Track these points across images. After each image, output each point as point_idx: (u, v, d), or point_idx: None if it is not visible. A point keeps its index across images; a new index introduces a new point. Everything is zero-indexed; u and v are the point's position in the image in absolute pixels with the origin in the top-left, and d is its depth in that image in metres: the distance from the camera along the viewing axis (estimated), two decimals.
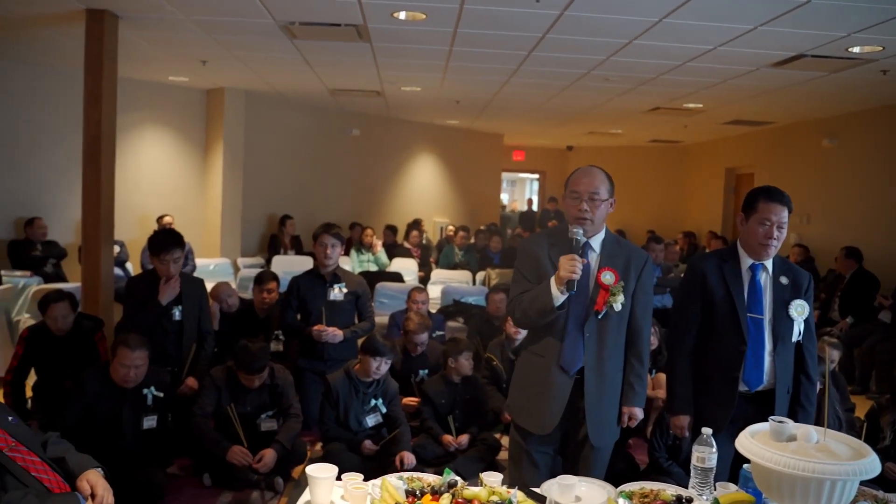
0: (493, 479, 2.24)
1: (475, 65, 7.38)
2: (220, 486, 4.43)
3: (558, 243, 3.00)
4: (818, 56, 6.12)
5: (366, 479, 2.26)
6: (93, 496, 2.20)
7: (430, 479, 2.27)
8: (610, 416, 3.07)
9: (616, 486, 2.41)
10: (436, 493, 2.07)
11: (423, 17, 5.50)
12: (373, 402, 4.69)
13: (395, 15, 5.49)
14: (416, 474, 2.30)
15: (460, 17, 5.47)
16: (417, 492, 2.12)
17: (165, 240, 4.70)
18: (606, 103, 9.54)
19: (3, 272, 6.61)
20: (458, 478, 2.13)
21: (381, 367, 4.58)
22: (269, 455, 4.33)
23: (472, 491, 2.08)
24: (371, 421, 4.70)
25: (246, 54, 7.35)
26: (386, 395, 4.74)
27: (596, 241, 3.05)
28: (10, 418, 2.23)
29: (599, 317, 2.97)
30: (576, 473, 2.65)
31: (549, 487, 2.30)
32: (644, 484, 2.45)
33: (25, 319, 6.39)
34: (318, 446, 4.89)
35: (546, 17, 5.40)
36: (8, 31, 6.60)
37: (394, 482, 2.14)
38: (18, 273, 7.15)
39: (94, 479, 2.23)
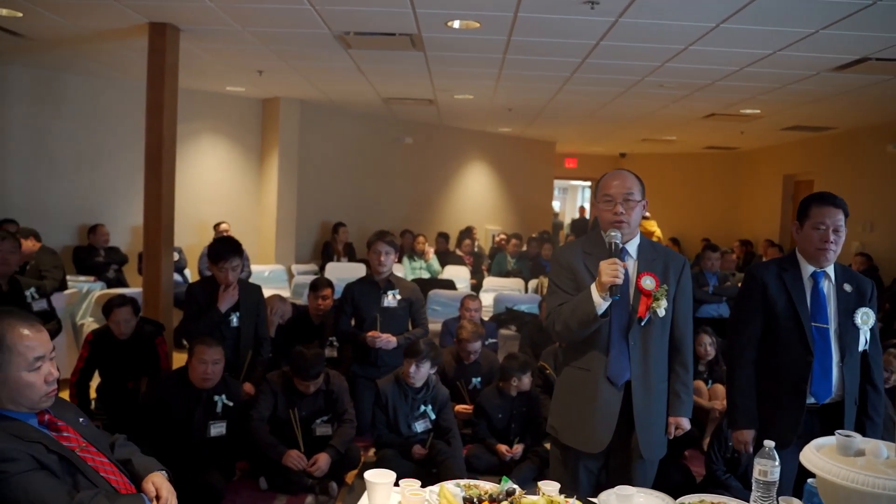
0: (550, 487, 2.22)
1: (528, 72, 7.37)
2: (275, 490, 4.49)
3: (593, 251, 2.95)
4: (883, 59, 5.95)
5: (422, 486, 2.27)
6: (157, 498, 2.25)
7: (487, 486, 2.27)
8: (658, 426, 3.01)
9: (674, 499, 2.37)
10: (494, 501, 2.07)
11: (478, 25, 5.51)
12: (422, 408, 4.72)
13: (450, 24, 5.51)
14: (472, 482, 2.30)
15: (514, 25, 5.47)
16: (475, 499, 2.12)
17: (224, 248, 4.79)
18: (661, 110, 9.43)
19: (68, 277, 6.80)
20: (515, 486, 2.13)
21: (419, 369, 4.60)
22: (323, 459, 4.40)
23: (530, 499, 2.07)
24: (420, 427, 4.72)
25: (301, 64, 7.46)
26: (436, 402, 4.75)
27: (632, 247, 2.99)
28: (80, 420, 2.30)
29: (643, 324, 2.90)
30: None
31: (607, 499, 2.28)
32: (704, 496, 2.40)
33: (89, 323, 6.57)
34: (371, 452, 4.93)
35: (601, 24, 5.37)
36: (75, 45, 6.82)
37: (452, 489, 2.15)
38: (82, 278, 7.35)
39: (158, 482, 2.29)
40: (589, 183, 20.27)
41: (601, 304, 2.75)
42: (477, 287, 9.43)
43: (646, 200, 2.99)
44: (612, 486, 2.37)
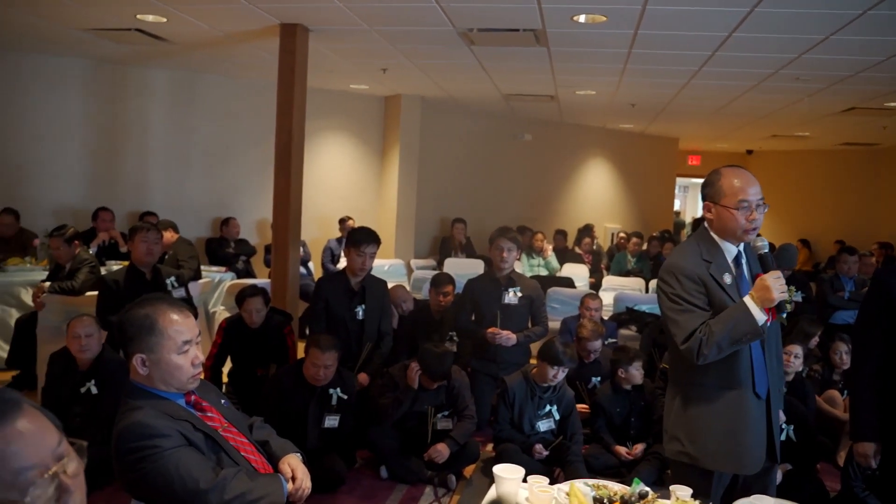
0: (683, 492, 2.16)
1: (654, 67, 7.19)
2: (395, 479, 4.58)
3: (712, 259, 2.72)
4: None
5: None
6: (293, 479, 2.33)
7: (616, 487, 2.23)
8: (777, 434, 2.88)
9: None
10: (626, 502, 2.03)
11: (604, 19, 5.42)
12: (548, 407, 4.69)
13: (575, 18, 5.44)
14: (601, 482, 2.27)
15: (642, 17, 5.34)
16: (605, 499, 2.08)
17: (364, 234, 4.97)
18: (794, 104, 8.99)
19: (201, 267, 7.15)
20: (647, 488, 2.08)
21: (558, 374, 4.57)
22: (442, 446, 4.50)
23: (664, 503, 2.02)
24: (544, 426, 4.69)
25: (424, 62, 7.56)
26: (561, 403, 4.72)
27: (741, 248, 2.80)
28: (222, 401, 2.42)
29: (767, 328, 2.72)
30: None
31: None
32: None
33: (220, 311, 6.89)
34: (490, 447, 4.94)
35: (734, 15, 5.16)
36: (212, 47, 7.17)
37: (582, 488, 2.12)
38: (214, 269, 7.70)
39: (294, 464, 2.37)
40: None
41: (763, 319, 2.54)
42: (596, 286, 9.29)
43: None
44: (745, 495, 2.28)
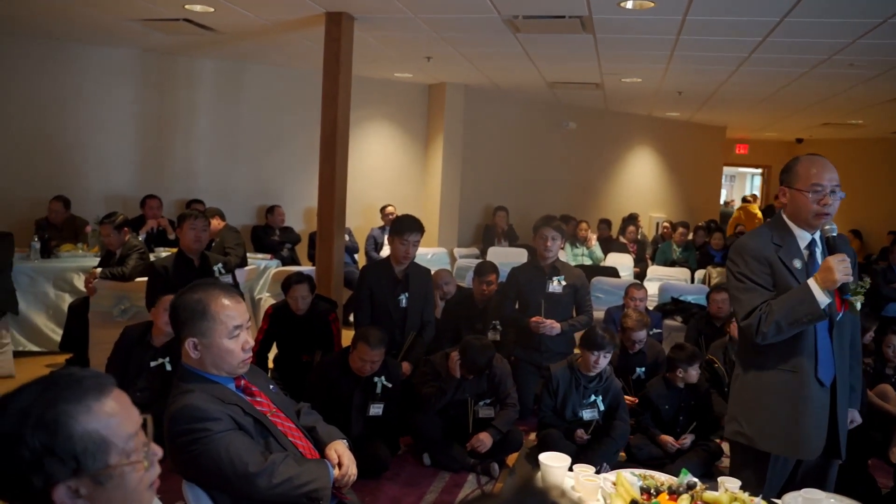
0: (732, 484, 2.13)
1: (702, 53, 7.06)
2: (438, 467, 4.60)
3: (782, 242, 2.76)
4: None
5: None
6: (339, 465, 2.36)
7: (663, 478, 2.21)
8: (847, 423, 2.85)
9: None
10: (673, 493, 2.01)
11: (652, 5, 5.33)
12: (592, 397, 4.65)
13: (622, 4, 5.37)
14: (648, 472, 2.25)
15: (691, 3, 5.24)
16: (652, 489, 2.06)
17: (408, 222, 4.99)
18: (847, 91, 8.76)
19: (248, 255, 7.25)
20: (695, 479, 2.06)
21: (599, 360, 4.52)
22: (485, 435, 4.50)
23: (713, 495, 2.00)
24: (588, 415, 4.65)
25: (469, 49, 7.52)
26: (607, 394, 4.67)
27: (816, 236, 2.80)
28: (270, 386, 2.45)
29: (838, 319, 2.73)
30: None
31: (793, 500, 2.16)
32: None
33: (266, 298, 6.97)
34: (532, 436, 4.93)
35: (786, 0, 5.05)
36: (258, 36, 7.24)
37: (628, 478, 2.11)
38: (260, 256, 7.79)
39: (341, 450, 2.40)
40: (760, 170, 19.24)
41: (825, 301, 2.56)
42: (640, 275, 9.19)
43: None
44: (800, 488, 2.25)
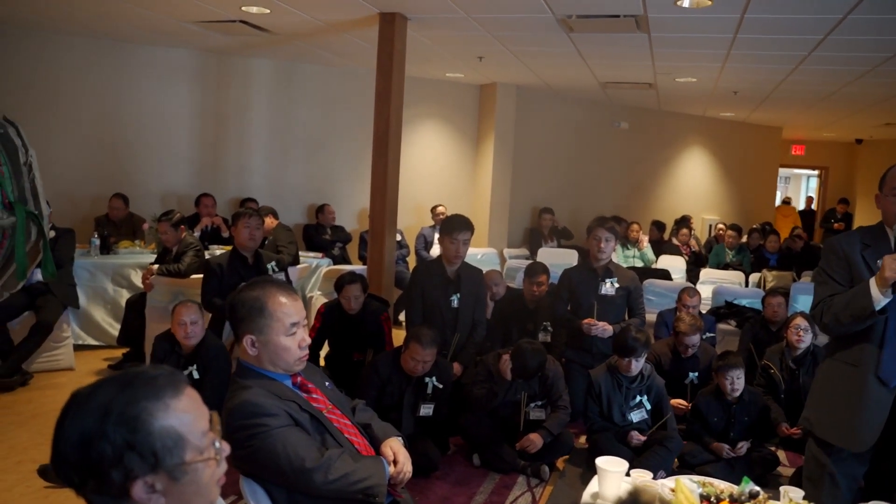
0: (795, 493, 2.08)
1: (760, 52, 6.91)
2: (488, 468, 4.58)
3: (873, 244, 2.77)
4: None
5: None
6: (395, 462, 2.36)
7: (723, 485, 2.16)
8: None
9: None
10: (734, 501, 1.96)
11: (709, 3, 5.23)
12: (637, 398, 4.59)
13: (679, 3, 5.28)
14: (707, 479, 2.20)
15: (749, 1, 5.14)
16: (713, 497, 2.02)
17: (459, 222, 4.98)
18: None
19: (300, 253, 7.33)
20: (758, 488, 2.01)
21: (632, 364, 4.47)
22: (535, 436, 4.48)
23: None
24: (636, 417, 4.59)
25: (521, 49, 7.49)
26: (650, 392, 4.62)
27: None
28: (327, 384, 2.47)
29: None
30: (888, 500, 2.37)
31: None
32: None
33: (317, 296, 7.03)
34: (583, 439, 4.88)
35: None
36: (312, 37, 7.31)
37: (688, 484, 2.07)
38: (311, 254, 7.88)
39: (396, 447, 2.40)
40: (816, 172, 18.77)
41: (880, 299, 2.59)
42: (693, 279, 9.04)
43: None
44: (869, 500, 2.18)
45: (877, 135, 14.28)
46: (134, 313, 6.17)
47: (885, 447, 2.74)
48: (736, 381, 4.63)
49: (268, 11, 6.22)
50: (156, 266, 6.01)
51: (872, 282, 2.62)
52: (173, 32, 7.46)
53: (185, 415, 1.28)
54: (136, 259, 6.83)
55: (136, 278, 6.60)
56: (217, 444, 1.34)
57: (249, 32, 7.09)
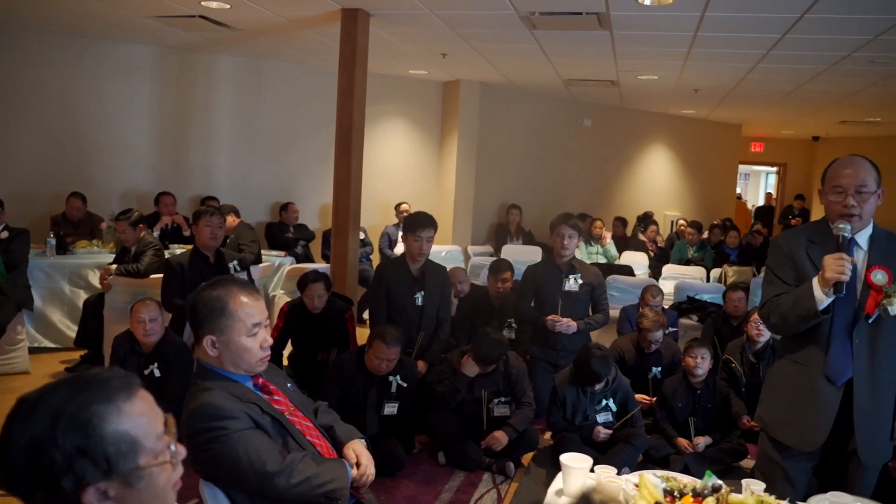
0: (757, 486, 2.10)
1: (720, 50, 7.00)
2: (453, 466, 4.57)
3: (819, 241, 2.74)
4: None
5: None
6: (357, 465, 2.34)
7: (686, 479, 2.17)
8: (883, 431, 2.75)
9: None
10: (697, 496, 1.97)
11: (670, 1, 5.28)
12: (604, 402, 4.63)
13: (641, 1, 5.32)
14: (671, 473, 2.21)
15: None
16: (676, 492, 2.03)
17: (422, 219, 4.97)
18: (867, 88, 8.68)
19: (262, 252, 7.25)
20: (720, 482, 2.02)
21: (597, 388, 4.52)
22: (500, 434, 4.49)
23: (738, 498, 1.96)
24: (601, 418, 4.62)
25: (485, 46, 7.49)
26: (617, 394, 4.65)
27: (862, 238, 2.73)
28: (289, 385, 2.43)
29: (870, 321, 2.65)
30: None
31: (819, 503, 2.12)
32: None
33: (280, 295, 6.97)
34: (548, 435, 4.90)
35: None
36: (275, 33, 7.24)
37: (651, 479, 2.07)
38: (274, 253, 7.80)
39: (359, 450, 2.38)
40: (775, 169, 19.09)
41: (823, 300, 2.57)
42: (655, 274, 9.12)
43: (882, 190, 2.72)
44: (826, 491, 2.20)
45: (833, 132, 14.57)
46: (92, 314, 6.05)
47: (833, 443, 2.74)
48: (701, 361, 4.75)
49: (228, 7, 6.14)
50: (114, 266, 5.90)
51: (815, 282, 2.61)
52: (133, 28, 7.32)
53: (139, 418, 1.24)
54: (94, 259, 6.70)
55: (94, 279, 6.47)
56: (173, 448, 1.30)
57: (210, 28, 6.99)
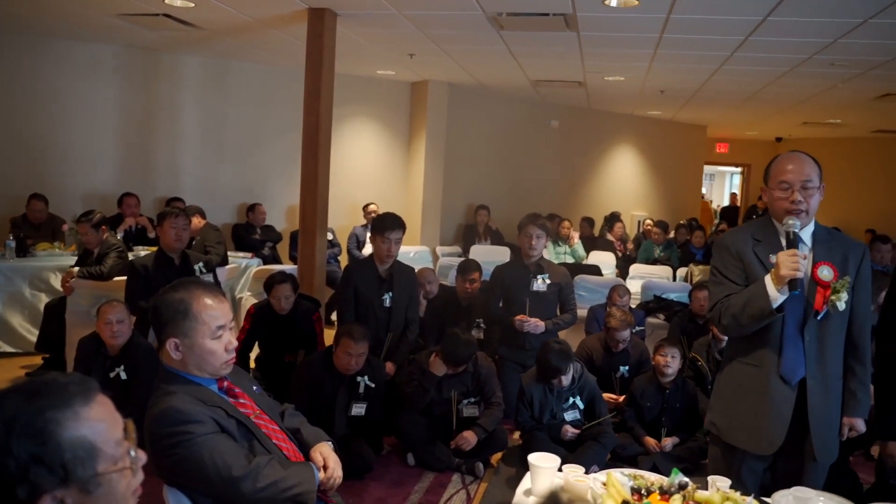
0: (722, 483, 2.12)
1: (685, 52, 7.07)
2: (422, 467, 4.57)
3: (763, 238, 2.74)
4: None
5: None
6: (325, 468, 2.32)
7: (653, 477, 2.19)
8: (834, 428, 2.78)
9: None
10: (664, 493, 1.98)
11: (636, 3, 5.32)
12: (571, 400, 4.65)
13: (607, 2, 5.35)
14: (638, 471, 2.23)
15: (675, 2, 5.24)
16: (643, 490, 2.04)
17: (391, 220, 4.94)
18: (828, 91, 8.83)
19: (229, 253, 7.17)
20: (686, 479, 2.04)
21: (561, 381, 4.53)
22: (469, 434, 4.50)
23: (705, 494, 1.98)
24: (569, 416, 4.65)
25: (452, 47, 7.49)
26: (583, 391, 4.68)
27: (806, 234, 2.73)
28: (255, 388, 2.40)
29: (819, 318, 2.65)
30: None
31: (782, 499, 2.15)
32: None
33: (247, 297, 6.90)
34: (517, 435, 4.91)
35: None
36: (241, 33, 7.17)
37: (619, 478, 2.08)
38: (241, 254, 7.72)
39: (326, 452, 2.36)
40: (739, 169, 19.36)
41: (777, 298, 2.54)
42: (623, 274, 9.20)
43: (823, 185, 2.72)
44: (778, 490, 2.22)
45: (795, 133, 14.80)
46: (54, 318, 5.94)
47: (786, 444, 2.73)
48: (671, 360, 4.80)
49: (192, 5, 6.06)
50: (76, 269, 5.79)
51: (768, 280, 2.58)
52: (96, 26, 7.20)
53: (98, 423, 1.21)
54: (56, 262, 6.57)
55: (56, 282, 6.35)
56: (133, 453, 1.27)
57: (174, 27, 6.90)
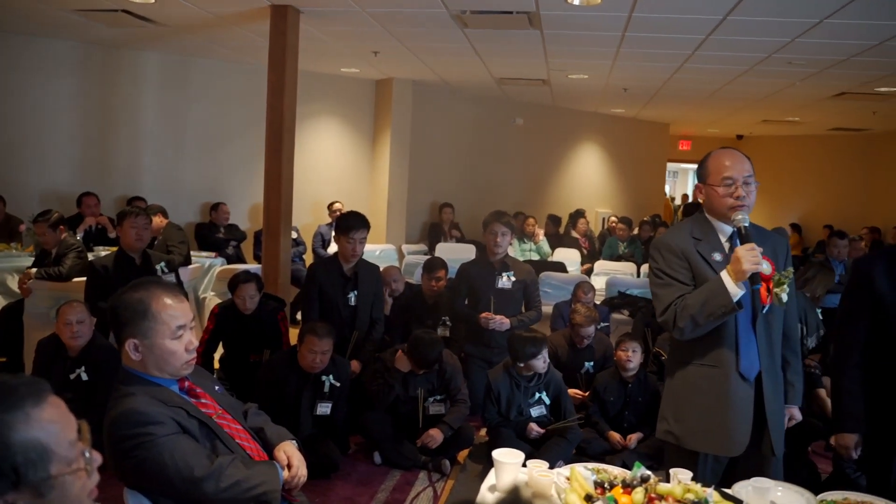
0: (684, 475, 2.14)
1: (648, 50, 7.15)
2: (389, 465, 4.56)
3: (703, 237, 2.72)
4: None
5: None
6: (289, 467, 2.30)
7: (616, 471, 2.21)
8: (783, 419, 2.81)
9: None
10: (627, 487, 2.00)
11: (598, 1, 5.36)
12: (537, 395, 4.68)
13: (570, 0, 5.39)
14: (601, 466, 2.25)
15: (637, 0, 5.29)
16: (606, 483, 2.06)
17: (355, 220, 4.92)
18: (786, 89, 8.98)
19: (191, 253, 7.09)
20: (649, 472, 2.06)
21: (535, 364, 4.55)
22: (436, 431, 4.51)
23: (666, 487, 2.00)
24: (536, 412, 4.67)
25: (416, 44, 7.48)
26: (549, 387, 4.70)
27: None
28: (216, 388, 2.38)
29: (764, 311, 2.67)
30: None
31: (743, 489, 2.18)
32: (847, 494, 2.27)
33: (211, 297, 6.83)
34: (484, 432, 4.92)
35: None
36: (203, 30, 7.09)
37: (583, 472, 2.10)
38: (204, 254, 7.63)
39: (290, 451, 2.34)
40: None
41: (738, 293, 2.52)
42: (588, 271, 9.27)
43: (758, 182, 2.73)
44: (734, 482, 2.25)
45: (756, 131, 15.03)
46: (11, 321, 5.81)
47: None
48: (632, 355, 4.85)
49: (152, 1, 5.98)
50: (34, 270, 5.68)
51: (725, 277, 2.54)
52: (54, 22, 7.06)
53: (50, 425, 1.19)
54: (12, 263, 6.42)
55: (13, 283, 6.20)
56: (87, 455, 1.25)
57: (134, 24, 6.80)
